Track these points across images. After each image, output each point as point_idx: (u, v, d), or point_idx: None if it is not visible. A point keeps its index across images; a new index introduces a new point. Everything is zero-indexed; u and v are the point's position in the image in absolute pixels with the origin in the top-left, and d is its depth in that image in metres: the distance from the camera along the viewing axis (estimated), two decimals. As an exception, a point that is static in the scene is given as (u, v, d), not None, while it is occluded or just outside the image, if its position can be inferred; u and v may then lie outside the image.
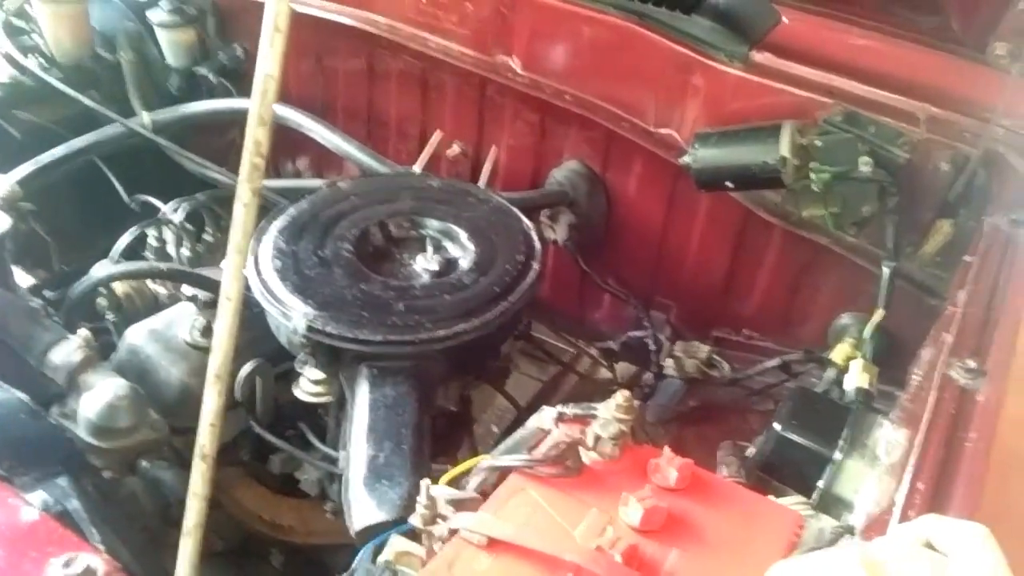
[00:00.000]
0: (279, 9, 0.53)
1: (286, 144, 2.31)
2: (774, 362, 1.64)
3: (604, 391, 2.00)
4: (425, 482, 0.95)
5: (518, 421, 1.87)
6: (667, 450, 0.99)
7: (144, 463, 1.42)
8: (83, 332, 1.40)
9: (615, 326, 2.06)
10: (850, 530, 0.99)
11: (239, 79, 2.27)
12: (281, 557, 1.65)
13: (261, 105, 0.58)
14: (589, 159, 1.94)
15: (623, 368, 2.02)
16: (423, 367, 1.32)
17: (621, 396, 1.07)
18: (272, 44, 0.54)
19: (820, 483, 1.07)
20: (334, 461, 1.40)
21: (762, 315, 1.83)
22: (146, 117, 2.04)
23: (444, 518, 0.94)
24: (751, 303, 1.84)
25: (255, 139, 0.59)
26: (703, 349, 1.78)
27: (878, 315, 1.40)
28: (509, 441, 1.12)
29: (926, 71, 1.48)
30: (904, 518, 0.80)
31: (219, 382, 0.67)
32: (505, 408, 1.83)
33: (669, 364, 1.80)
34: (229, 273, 0.63)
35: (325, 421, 1.48)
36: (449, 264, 1.47)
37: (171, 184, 2.16)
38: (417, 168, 1.87)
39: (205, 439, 0.68)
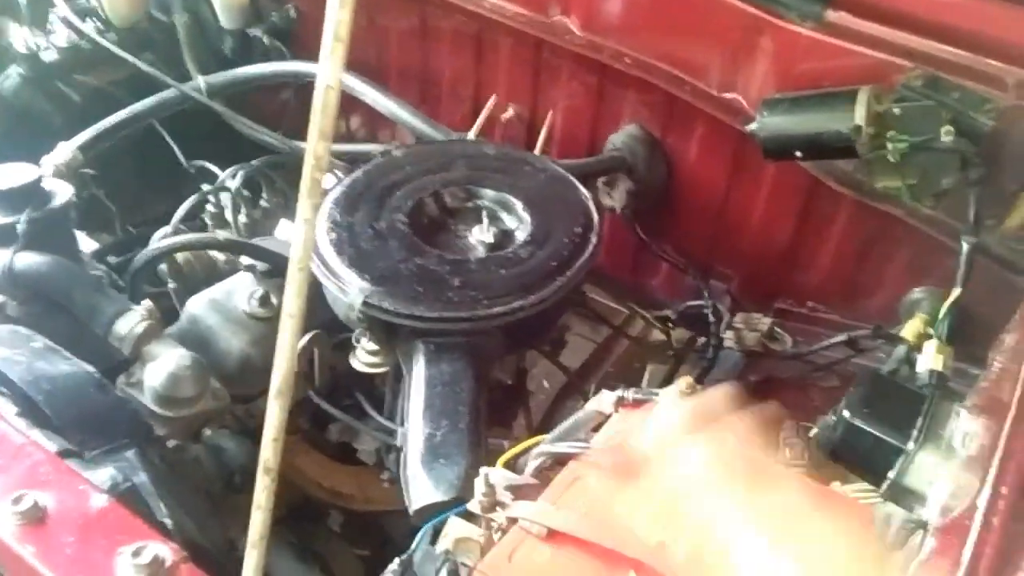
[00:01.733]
0: (340, 18, 0.50)
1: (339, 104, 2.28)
2: (840, 337, 1.58)
3: (659, 355, 1.99)
4: (484, 470, 0.95)
5: (569, 386, 1.87)
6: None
7: (207, 431, 1.46)
8: (146, 303, 1.42)
9: (673, 295, 2.02)
10: (923, 525, 0.95)
11: (292, 40, 2.25)
12: (340, 518, 1.69)
13: (322, 119, 0.55)
14: (648, 123, 1.87)
15: (678, 333, 1.98)
16: (479, 343, 1.31)
17: (684, 382, 1.05)
18: (333, 53, 0.51)
19: (891, 474, 1.04)
20: (391, 432, 1.41)
21: (828, 287, 1.77)
22: (201, 81, 2.04)
23: (503, 505, 0.93)
24: (816, 274, 1.78)
25: (316, 154, 0.57)
26: (764, 321, 1.73)
27: (955, 294, 1.34)
28: (567, 424, 1.12)
29: (1015, 30, 1.37)
30: (987, 524, 0.76)
31: (282, 397, 0.67)
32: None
33: (729, 336, 1.75)
34: (291, 290, 0.62)
35: (383, 391, 1.49)
36: (505, 236, 1.45)
37: (228, 146, 2.18)
38: (471, 134, 1.84)
39: (268, 453, 0.68)
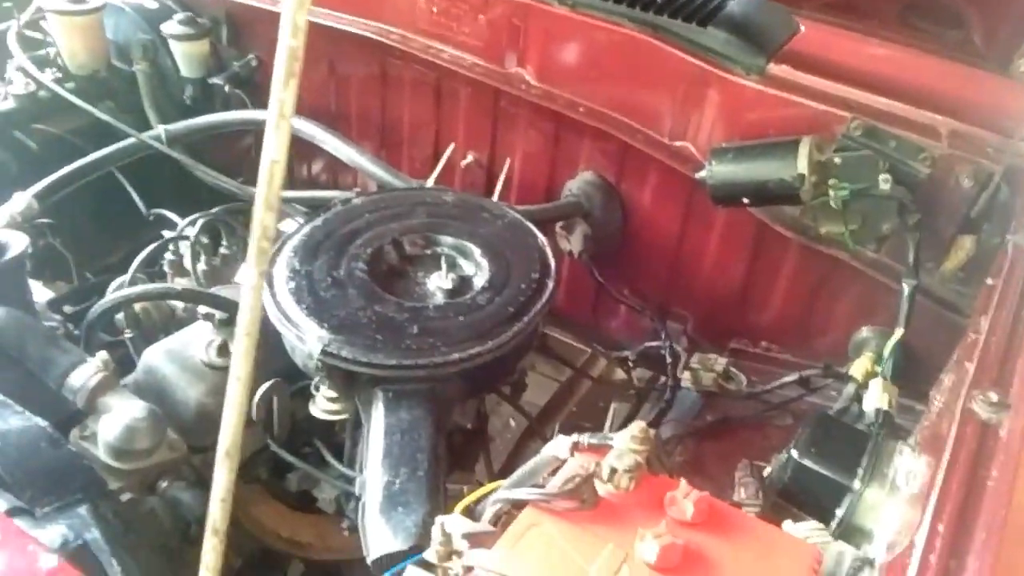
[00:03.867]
0: (284, 97, 0.52)
1: (299, 149, 2.31)
2: (792, 377, 1.62)
3: (621, 394, 2.02)
4: (440, 518, 0.95)
5: (529, 431, 1.89)
6: (683, 483, 0.98)
7: (163, 483, 1.44)
8: (101, 354, 1.41)
9: (631, 336, 2.05)
10: (870, 563, 0.98)
11: (254, 89, 2.27)
12: (301, 567, 1.66)
13: (268, 191, 0.57)
14: (604, 170, 1.92)
15: (640, 372, 2.02)
16: (438, 389, 1.32)
17: (636, 427, 1.06)
18: (277, 129, 0.53)
19: (839, 512, 1.06)
20: (350, 479, 1.40)
21: (780, 327, 1.81)
22: (161, 130, 2.05)
23: (460, 554, 0.94)
24: (768, 315, 1.82)
25: (263, 224, 0.59)
26: (720, 362, 1.76)
27: (898, 334, 1.39)
28: (523, 469, 1.12)
29: (947, 83, 1.45)
30: (924, 562, 0.78)
31: (229, 459, 0.67)
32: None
33: (686, 377, 1.78)
34: (239, 354, 0.63)
35: (342, 438, 1.49)
36: (463, 282, 1.47)
37: (188, 193, 2.18)
38: (431, 181, 1.86)
39: (217, 515, 0.67)
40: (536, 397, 1.96)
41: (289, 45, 0.53)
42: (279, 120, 0.54)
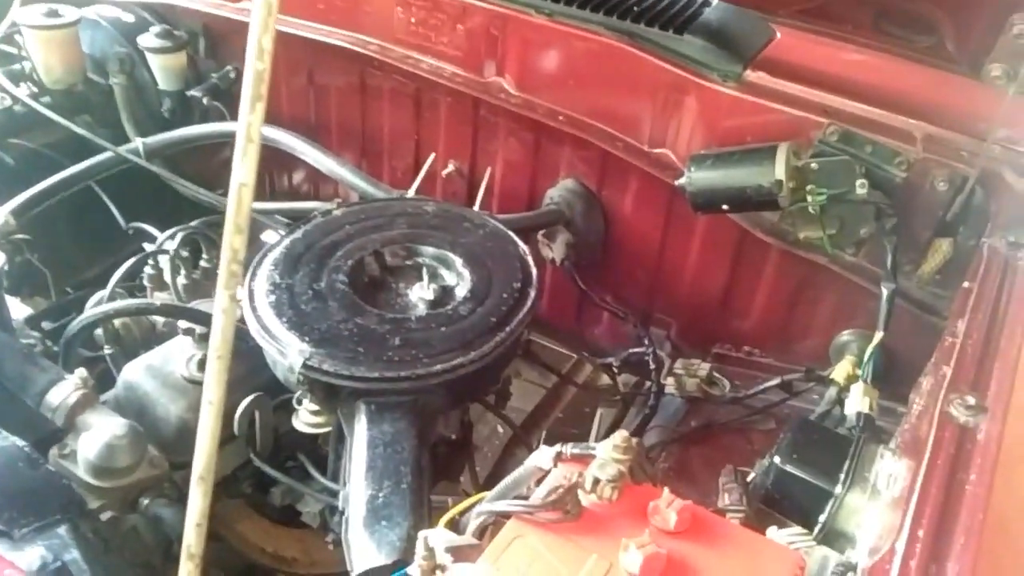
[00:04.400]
0: (252, 120, 0.52)
1: (280, 161, 2.30)
2: (774, 381, 1.63)
3: (606, 401, 2.02)
4: (423, 532, 0.95)
5: (516, 439, 1.88)
6: (666, 492, 0.98)
7: (145, 500, 1.43)
8: (80, 371, 1.40)
9: (615, 343, 2.05)
10: (853, 568, 0.98)
11: (232, 100, 2.25)
12: (287, 583, 1.65)
13: (236, 214, 0.57)
14: (585, 178, 1.93)
15: (625, 378, 2.02)
16: (421, 401, 1.31)
17: (619, 437, 1.06)
18: (246, 155, 0.53)
19: (822, 517, 1.07)
20: (335, 493, 1.39)
21: (762, 332, 1.82)
22: (139, 143, 2.04)
23: (443, 568, 0.93)
24: (750, 320, 1.83)
25: (232, 247, 0.59)
26: (703, 367, 1.77)
27: (877, 337, 1.40)
28: (507, 480, 1.12)
29: (922, 88, 1.47)
30: (904, 568, 0.79)
31: (203, 483, 0.66)
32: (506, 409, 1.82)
33: (669, 383, 1.79)
34: (210, 377, 0.62)
35: (326, 451, 1.48)
36: (445, 293, 1.46)
37: (168, 206, 2.16)
38: (411, 191, 1.86)
39: (191, 539, 0.67)
40: (523, 403, 1.96)
41: (255, 68, 0.53)
42: (247, 144, 0.53)
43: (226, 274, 0.58)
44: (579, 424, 2.01)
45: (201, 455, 0.66)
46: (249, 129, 0.53)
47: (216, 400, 0.63)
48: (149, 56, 2.17)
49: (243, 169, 0.55)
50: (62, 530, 1.12)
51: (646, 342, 1.88)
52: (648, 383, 1.87)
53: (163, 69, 2.19)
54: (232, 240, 0.59)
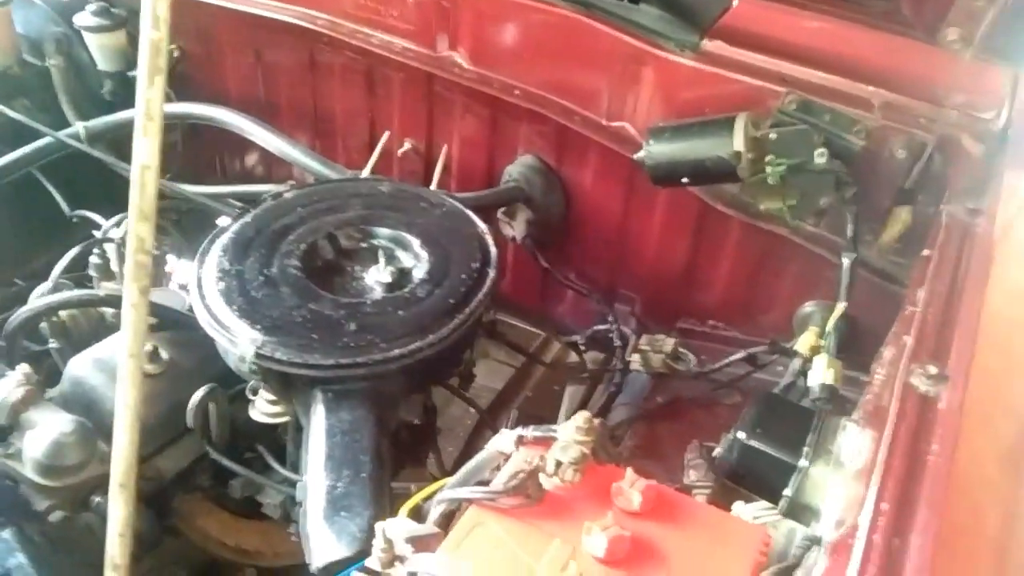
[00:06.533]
0: (151, 96, 0.48)
1: (232, 143, 2.23)
2: (739, 355, 1.62)
3: (574, 378, 2.00)
4: (381, 524, 0.92)
5: (483, 422, 1.86)
6: (630, 472, 0.96)
7: (97, 498, 1.38)
8: (23, 367, 1.34)
9: (580, 320, 2.04)
10: (818, 541, 0.98)
11: (177, 80, 2.17)
12: (255, 572, 1.62)
13: (141, 199, 0.53)
14: (544, 153, 1.89)
15: (592, 355, 2.01)
16: (380, 387, 1.28)
17: (581, 418, 1.04)
18: (146, 134, 0.49)
19: (787, 491, 1.06)
20: (296, 484, 1.36)
21: (726, 305, 1.81)
22: (80, 127, 1.96)
23: (403, 559, 0.91)
24: (714, 294, 1.82)
25: (138, 236, 0.54)
26: (668, 343, 1.76)
27: (839, 308, 1.39)
28: (469, 465, 1.09)
29: (879, 54, 1.45)
30: (868, 542, 0.78)
31: (124, 491, 0.63)
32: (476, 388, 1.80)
33: (635, 359, 1.77)
34: (124, 379, 0.58)
35: (285, 441, 1.45)
36: (402, 275, 1.43)
37: (113, 192, 2.08)
38: (366, 172, 1.81)
39: (115, 550, 0.63)
40: (491, 382, 1.93)
41: (151, 39, 0.48)
42: (146, 123, 0.49)
43: (133, 265, 0.54)
44: (549, 402, 2.00)
45: (119, 461, 0.62)
46: (148, 106, 0.49)
47: (132, 403, 0.59)
48: (87, 35, 2.09)
49: (145, 150, 0.51)
50: (6, 534, 1.08)
51: (610, 319, 1.87)
52: (614, 360, 1.85)
53: (102, 49, 2.10)
54: (137, 228, 0.55)
